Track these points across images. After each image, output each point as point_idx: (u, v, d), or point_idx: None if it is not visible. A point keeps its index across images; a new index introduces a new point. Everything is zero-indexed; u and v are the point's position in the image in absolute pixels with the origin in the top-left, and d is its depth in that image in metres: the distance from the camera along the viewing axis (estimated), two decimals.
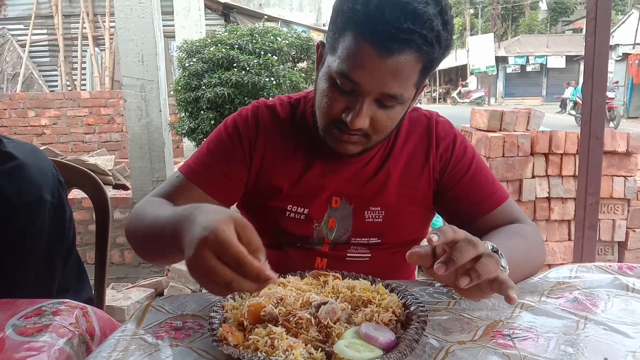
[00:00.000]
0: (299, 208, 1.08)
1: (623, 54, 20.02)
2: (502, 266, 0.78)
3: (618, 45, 20.70)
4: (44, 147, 5.26)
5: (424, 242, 0.78)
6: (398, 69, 0.88)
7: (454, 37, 0.98)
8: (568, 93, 21.52)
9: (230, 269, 0.64)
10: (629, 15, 22.34)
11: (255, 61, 3.48)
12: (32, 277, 1.03)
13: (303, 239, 1.10)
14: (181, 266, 3.41)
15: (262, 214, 1.12)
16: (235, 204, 1.20)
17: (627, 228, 3.48)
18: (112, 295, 3.13)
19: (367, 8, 0.86)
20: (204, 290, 0.73)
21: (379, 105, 0.94)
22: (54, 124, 7.06)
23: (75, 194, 3.59)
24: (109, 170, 4.80)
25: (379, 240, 1.10)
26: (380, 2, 0.85)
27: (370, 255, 1.11)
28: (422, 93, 1.10)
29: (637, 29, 19.05)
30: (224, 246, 0.63)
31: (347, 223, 1.09)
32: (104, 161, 5.19)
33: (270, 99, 1.19)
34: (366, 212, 1.09)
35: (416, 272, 1.28)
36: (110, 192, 4.33)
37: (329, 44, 0.97)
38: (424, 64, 0.90)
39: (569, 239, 3.44)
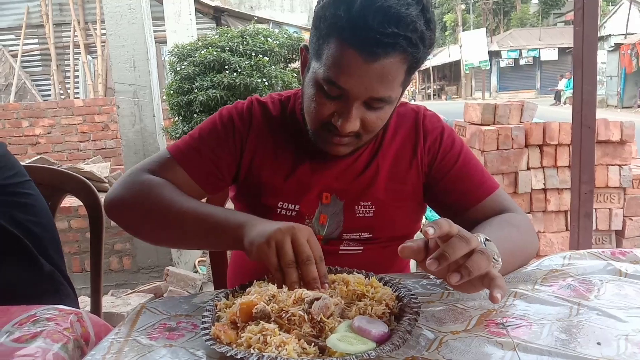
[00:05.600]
0: (290, 205, 1.08)
1: (615, 44, 20.06)
2: (494, 258, 0.78)
3: (610, 35, 20.75)
4: (39, 157, 5.24)
5: (417, 236, 0.78)
6: (384, 72, 0.88)
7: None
8: (562, 85, 21.53)
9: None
10: (620, 6, 22.39)
11: (246, 63, 3.48)
12: None
13: None
14: (180, 270, 3.40)
15: (254, 210, 1.11)
16: (230, 199, 1.20)
17: (624, 216, 3.49)
18: (112, 302, 3.12)
19: (350, 14, 0.85)
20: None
21: (367, 108, 0.94)
22: (48, 133, 7.03)
23: (72, 202, 3.58)
24: (104, 177, 4.79)
25: (371, 235, 1.10)
26: (363, 7, 0.84)
27: (362, 248, 1.11)
28: (411, 85, 1.11)
29: (627, 19, 19.11)
30: (299, 243, 0.80)
31: (338, 218, 1.09)
32: (99, 168, 5.16)
33: (263, 96, 1.19)
34: (357, 207, 1.09)
35: (411, 264, 1.28)
36: None
37: (313, 49, 0.96)
38: (409, 65, 0.91)
39: (567, 230, 3.44)
